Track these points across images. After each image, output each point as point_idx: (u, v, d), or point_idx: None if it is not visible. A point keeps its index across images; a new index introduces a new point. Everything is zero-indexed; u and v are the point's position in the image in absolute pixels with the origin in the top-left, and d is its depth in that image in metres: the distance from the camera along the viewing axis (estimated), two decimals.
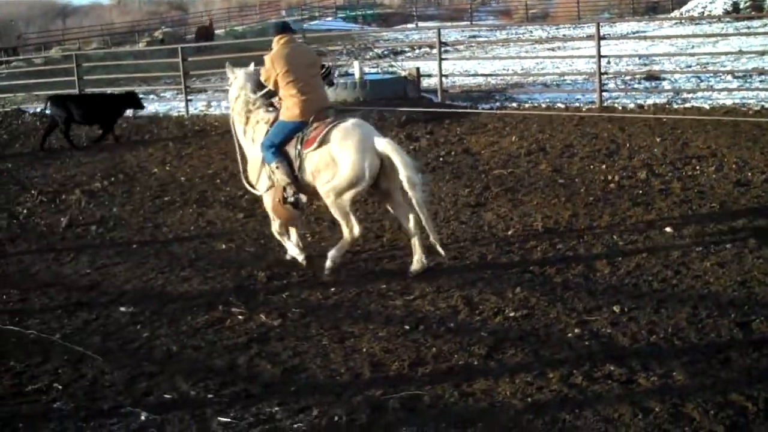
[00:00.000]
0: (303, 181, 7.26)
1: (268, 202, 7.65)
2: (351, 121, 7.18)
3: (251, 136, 7.72)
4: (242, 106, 7.80)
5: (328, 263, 7.23)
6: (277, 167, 7.24)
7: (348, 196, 7.03)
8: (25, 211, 10.71)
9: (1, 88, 25.49)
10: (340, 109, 14.61)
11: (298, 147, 7.17)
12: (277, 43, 7.44)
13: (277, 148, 7.26)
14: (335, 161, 6.99)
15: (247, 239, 8.59)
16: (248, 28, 48.79)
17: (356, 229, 7.16)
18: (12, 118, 20.44)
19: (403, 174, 6.82)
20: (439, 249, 7.04)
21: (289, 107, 7.26)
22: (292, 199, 7.42)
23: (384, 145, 6.93)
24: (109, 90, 20.24)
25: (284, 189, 7.40)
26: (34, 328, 6.48)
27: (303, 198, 7.48)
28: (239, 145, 8.04)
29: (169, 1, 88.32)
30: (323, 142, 7.03)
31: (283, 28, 7.61)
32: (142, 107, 17.07)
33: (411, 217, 7.16)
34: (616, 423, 4.42)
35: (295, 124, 7.23)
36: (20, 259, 8.61)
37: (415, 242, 7.19)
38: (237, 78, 7.90)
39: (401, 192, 7.07)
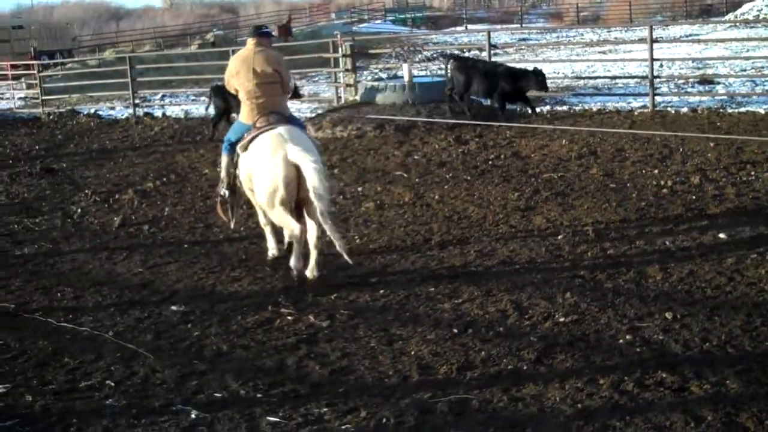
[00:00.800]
0: (239, 179, 7.69)
1: None
2: (276, 130, 7.23)
3: None
4: None
5: (309, 273, 7.32)
6: (222, 160, 7.88)
7: (275, 203, 7.13)
8: (79, 211, 10.90)
9: (56, 90, 25.95)
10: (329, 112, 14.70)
11: (237, 147, 7.57)
12: (247, 44, 7.78)
13: (231, 145, 7.73)
14: (254, 169, 7.24)
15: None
16: (299, 31, 48.98)
17: (296, 229, 7.19)
18: (67, 118, 20.83)
19: (309, 184, 6.87)
20: (347, 258, 7.08)
21: (242, 109, 7.68)
22: (221, 192, 7.91)
23: (295, 154, 6.94)
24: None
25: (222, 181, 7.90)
26: (87, 326, 6.59)
27: (226, 194, 7.87)
28: None
29: (220, 4, 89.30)
30: (245, 148, 7.36)
31: (255, 32, 7.84)
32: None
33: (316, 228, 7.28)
34: (668, 431, 4.36)
35: (245, 126, 7.56)
36: (74, 257, 8.76)
37: (313, 252, 7.37)
38: None
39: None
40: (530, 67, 15.80)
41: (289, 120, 7.59)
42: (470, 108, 15.43)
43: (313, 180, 6.85)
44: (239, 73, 7.58)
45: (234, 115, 15.78)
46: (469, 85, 15.32)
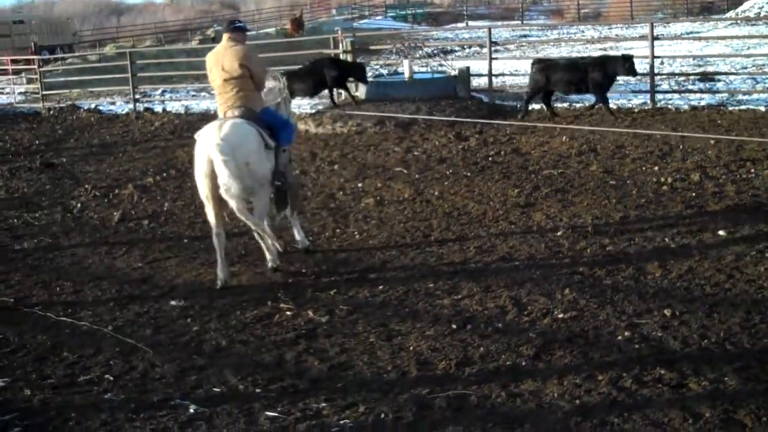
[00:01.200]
0: None
1: None
2: (218, 122, 7.32)
3: None
4: None
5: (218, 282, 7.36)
6: None
7: (203, 197, 7.26)
8: (79, 205, 10.90)
9: (56, 85, 25.94)
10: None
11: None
12: (222, 40, 7.81)
13: None
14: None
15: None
16: None
17: (213, 230, 7.33)
18: (67, 113, 20.81)
19: (219, 180, 6.90)
20: (267, 256, 7.51)
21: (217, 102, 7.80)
22: None
23: (210, 149, 6.97)
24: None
25: None
26: (86, 320, 6.60)
27: None
28: None
29: (221, 0, 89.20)
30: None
31: (228, 27, 7.88)
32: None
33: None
34: (666, 428, 4.36)
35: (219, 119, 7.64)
36: (74, 252, 8.76)
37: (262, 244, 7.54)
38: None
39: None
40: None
41: (262, 113, 7.58)
42: (551, 109, 15.31)
43: (222, 176, 6.87)
44: (212, 69, 7.67)
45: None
46: (553, 85, 15.01)
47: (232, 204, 6.96)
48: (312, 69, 16.83)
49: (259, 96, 7.72)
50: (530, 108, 15.50)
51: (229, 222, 8.00)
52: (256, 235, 7.49)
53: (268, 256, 7.58)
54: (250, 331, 6.18)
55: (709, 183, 9.49)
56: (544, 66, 15.26)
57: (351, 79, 16.98)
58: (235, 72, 7.51)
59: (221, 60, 7.58)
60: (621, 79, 19.07)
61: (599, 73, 14.67)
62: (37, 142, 17.17)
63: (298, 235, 8.08)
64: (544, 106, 15.43)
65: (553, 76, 14.92)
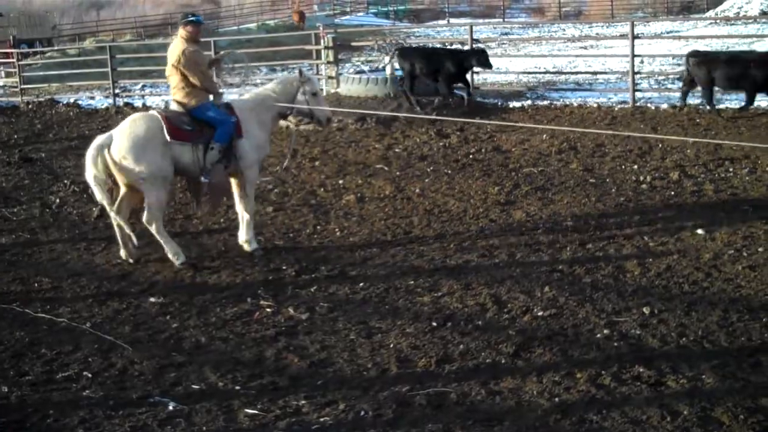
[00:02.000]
0: None
1: None
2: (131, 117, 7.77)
3: None
4: None
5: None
6: None
7: None
8: (57, 201, 10.81)
9: (35, 78, 25.71)
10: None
11: None
12: None
13: None
14: None
15: (276, 233, 8.62)
16: (280, 23, 48.77)
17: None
18: (46, 107, 20.63)
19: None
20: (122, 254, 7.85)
21: None
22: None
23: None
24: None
25: None
26: (65, 317, 6.56)
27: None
28: None
29: None
30: None
31: (181, 21, 8.10)
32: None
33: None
34: (644, 425, 4.40)
35: None
36: (52, 248, 8.70)
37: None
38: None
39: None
40: None
41: (196, 110, 7.67)
42: (712, 104, 14.04)
43: (86, 171, 7.44)
44: (167, 62, 7.90)
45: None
46: (713, 80, 13.71)
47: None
48: (433, 57, 15.97)
49: (197, 92, 7.77)
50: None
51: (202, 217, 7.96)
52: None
53: (171, 256, 7.72)
54: (230, 328, 6.17)
55: (688, 182, 9.56)
56: (701, 60, 14.06)
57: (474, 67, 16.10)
58: (171, 71, 7.81)
59: (171, 53, 7.84)
60: (601, 77, 19.23)
61: (763, 71, 13.14)
62: (15, 136, 17.02)
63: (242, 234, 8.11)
64: (706, 103, 14.26)
65: (713, 71, 13.64)
